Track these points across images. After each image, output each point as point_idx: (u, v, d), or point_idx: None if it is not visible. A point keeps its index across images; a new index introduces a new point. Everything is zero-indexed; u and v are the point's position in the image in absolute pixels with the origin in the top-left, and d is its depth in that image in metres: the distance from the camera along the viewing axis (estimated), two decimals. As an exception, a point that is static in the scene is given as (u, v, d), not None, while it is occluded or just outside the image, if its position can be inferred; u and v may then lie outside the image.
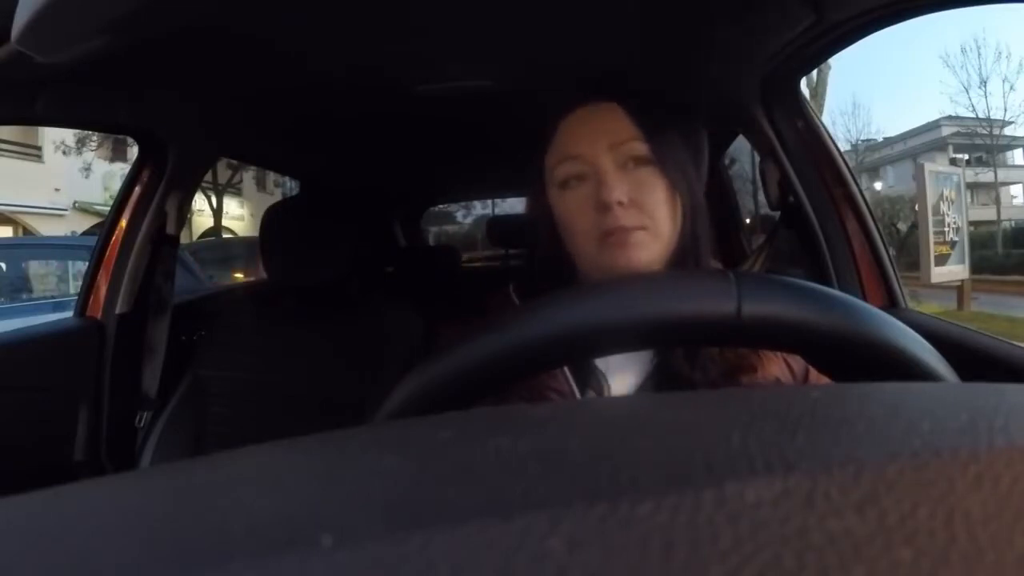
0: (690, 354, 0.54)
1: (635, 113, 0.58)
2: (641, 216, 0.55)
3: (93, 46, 0.61)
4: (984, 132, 15.64)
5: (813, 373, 0.54)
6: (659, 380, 0.56)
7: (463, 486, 0.14)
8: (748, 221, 1.90)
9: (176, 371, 1.23)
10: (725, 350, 0.54)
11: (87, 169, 11.12)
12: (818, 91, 9.33)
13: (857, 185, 0.98)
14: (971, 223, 9.04)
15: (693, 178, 0.60)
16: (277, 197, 5.68)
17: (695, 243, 0.58)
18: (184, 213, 1.28)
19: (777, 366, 0.55)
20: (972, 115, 15.54)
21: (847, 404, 0.19)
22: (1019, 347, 0.72)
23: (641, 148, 0.56)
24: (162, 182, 1.18)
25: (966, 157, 17.23)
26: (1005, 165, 17.52)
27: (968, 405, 0.17)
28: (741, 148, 1.68)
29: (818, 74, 9.11)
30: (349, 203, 1.28)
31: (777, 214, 1.05)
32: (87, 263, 1.27)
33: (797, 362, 0.55)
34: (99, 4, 0.54)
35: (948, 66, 19.39)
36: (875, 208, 1.08)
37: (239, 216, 14.46)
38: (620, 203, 0.54)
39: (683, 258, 0.58)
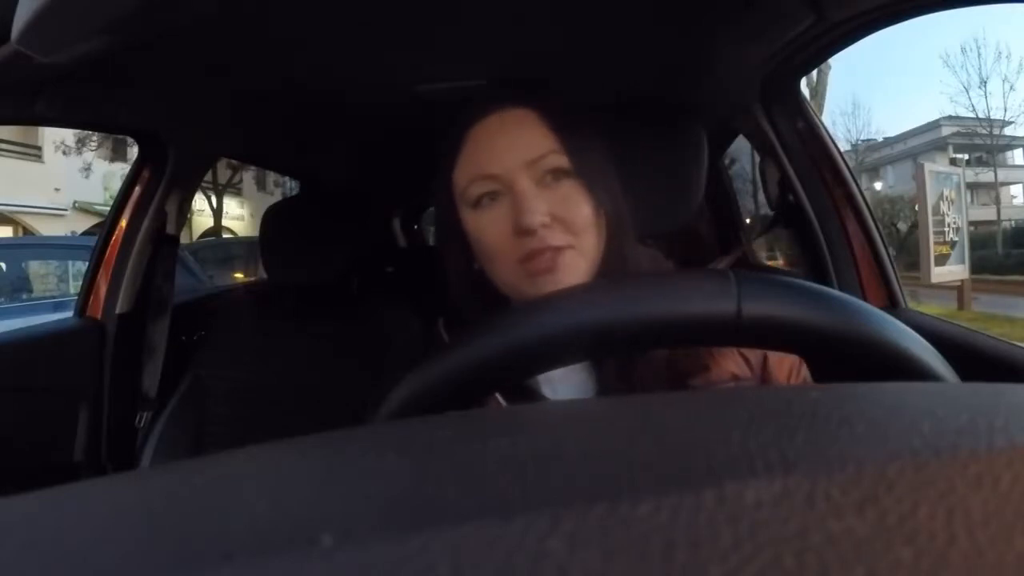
0: (625, 373, 0.51)
1: (552, 121, 0.52)
2: (566, 234, 0.50)
3: (93, 46, 0.61)
4: (984, 132, 15.64)
5: (771, 363, 0.53)
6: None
7: (463, 486, 0.14)
8: (748, 221, 1.91)
9: (176, 371, 1.23)
10: (673, 355, 0.52)
11: (87, 169, 11.13)
12: (818, 91, 9.33)
13: (857, 185, 0.98)
14: (971, 223, 9.04)
15: (616, 188, 0.55)
16: (277, 197, 5.68)
17: (621, 258, 0.54)
18: (184, 213, 1.29)
19: (732, 360, 0.52)
20: (972, 115, 15.56)
21: (847, 404, 0.19)
22: (1019, 347, 0.72)
23: (560, 161, 0.51)
24: (162, 182, 1.18)
25: (966, 157, 17.23)
26: (1005, 165, 17.52)
27: (968, 405, 0.17)
28: (741, 148, 1.68)
29: (818, 74, 9.12)
30: (349, 203, 1.28)
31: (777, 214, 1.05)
32: (87, 263, 1.27)
33: (754, 354, 0.53)
34: (99, 4, 0.54)
35: (948, 66, 19.40)
36: (875, 208, 1.08)
37: (239, 216, 14.46)
38: (544, 225, 0.49)
39: (608, 274, 0.53)
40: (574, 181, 0.52)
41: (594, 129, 0.56)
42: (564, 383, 0.53)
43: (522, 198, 0.50)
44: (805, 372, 0.54)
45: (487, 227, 0.52)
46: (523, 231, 0.49)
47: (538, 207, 0.49)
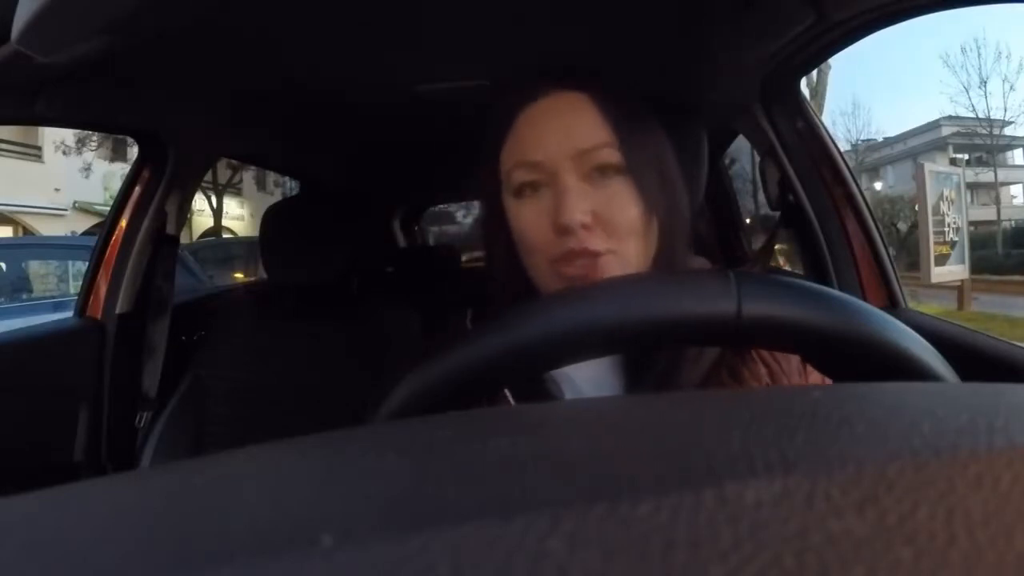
0: (661, 383, 0.49)
1: (608, 110, 0.48)
2: (607, 239, 0.46)
3: (93, 46, 0.61)
4: (984, 132, 15.64)
5: None
6: None
7: (463, 486, 0.14)
8: (748, 221, 1.91)
9: (176, 371, 1.23)
10: (707, 380, 0.50)
11: (87, 169, 11.14)
12: (818, 91, 9.33)
13: (857, 185, 0.99)
14: (971, 223, 9.04)
15: (674, 190, 0.51)
16: (277, 197, 5.68)
17: (671, 268, 0.50)
18: (184, 213, 1.29)
19: None
20: (972, 115, 15.56)
21: (847, 404, 0.19)
22: (1019, 347, 0.72)
23: (612, 156, 0.47)
24: (162, 182, 1.19)
25: (966, 157, 17.23)
26: (1005, 165, 17.52)
27: (968, 405, 0.17)
28: (741, 148, 1.68)
29: (818, 74, 9.11)
30: (349, 203, 1.28)
31: (777, 214, 1.05)
32: (87, 263, 1.27)
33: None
34: (99, 4, 0.54)
35: (948, 66, 19.38)
36: (875, 208, 1.08)
37: (239, 216, 14.47)
38: (584, 226, 0.45)
39: None
40: (624, 179, 0.47)
41: (652, 119, 0.51)
42: (587, 383, 0.50)
43: (564, 193, 0.46)
44: None
45: (526, 219, 0.48)
46: (562, 229, 0.45)
47: (580, 205, 0.45)
